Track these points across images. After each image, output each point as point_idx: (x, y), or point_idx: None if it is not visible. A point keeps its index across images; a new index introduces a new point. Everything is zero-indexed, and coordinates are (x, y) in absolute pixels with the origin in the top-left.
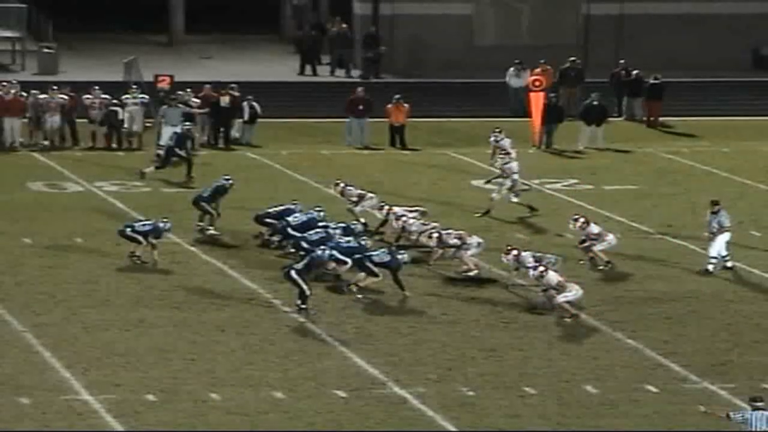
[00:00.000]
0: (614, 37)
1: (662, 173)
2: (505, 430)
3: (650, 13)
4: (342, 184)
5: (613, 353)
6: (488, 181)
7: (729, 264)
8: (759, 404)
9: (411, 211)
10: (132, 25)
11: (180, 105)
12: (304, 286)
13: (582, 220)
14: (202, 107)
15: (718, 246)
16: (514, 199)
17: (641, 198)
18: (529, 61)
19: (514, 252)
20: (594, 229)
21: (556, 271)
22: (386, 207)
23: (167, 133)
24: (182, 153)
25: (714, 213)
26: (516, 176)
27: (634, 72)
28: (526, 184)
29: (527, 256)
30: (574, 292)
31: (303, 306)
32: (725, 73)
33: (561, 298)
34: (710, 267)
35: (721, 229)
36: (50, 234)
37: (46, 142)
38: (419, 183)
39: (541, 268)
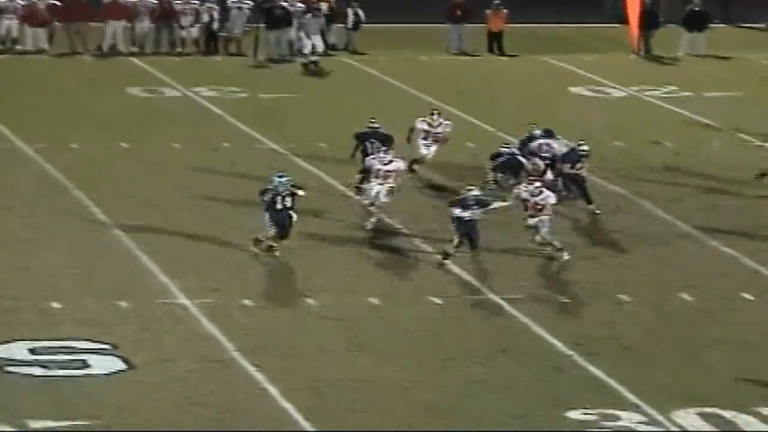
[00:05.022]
0: None
1: (764, 81)
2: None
3: None
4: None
5: (709, 261)
6: None
7: None
8: None
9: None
10: None
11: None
12: None
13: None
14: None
15: None
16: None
17: (742, 105)
18: None
19: None
20: None
21: None
22: None
23: (308, 43)
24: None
25: None
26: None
27: None
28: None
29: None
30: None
31: None
32: None
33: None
34: None
35: None
36: (148, 140)
37: (135, 48)
38: (516, 90)
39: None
